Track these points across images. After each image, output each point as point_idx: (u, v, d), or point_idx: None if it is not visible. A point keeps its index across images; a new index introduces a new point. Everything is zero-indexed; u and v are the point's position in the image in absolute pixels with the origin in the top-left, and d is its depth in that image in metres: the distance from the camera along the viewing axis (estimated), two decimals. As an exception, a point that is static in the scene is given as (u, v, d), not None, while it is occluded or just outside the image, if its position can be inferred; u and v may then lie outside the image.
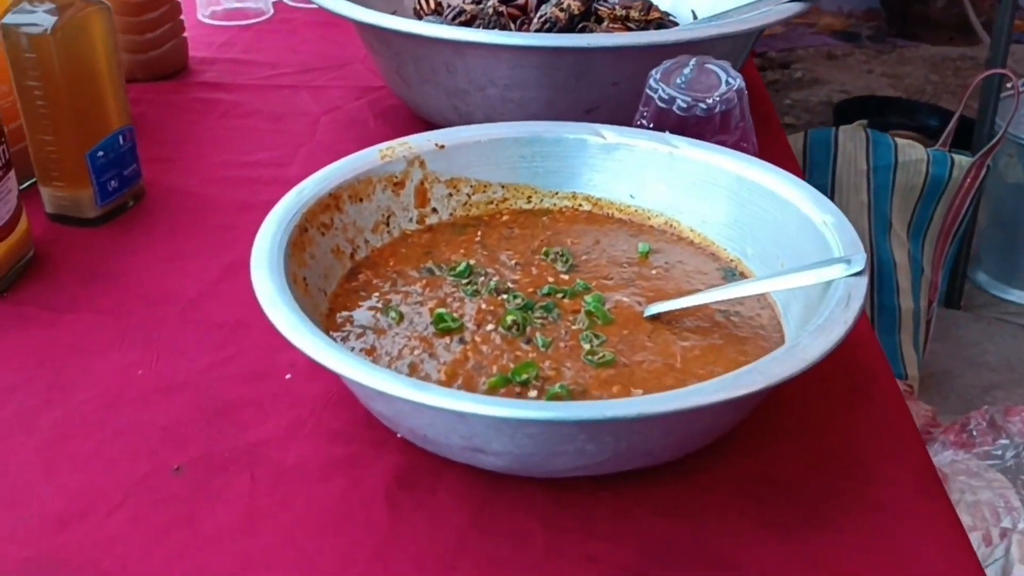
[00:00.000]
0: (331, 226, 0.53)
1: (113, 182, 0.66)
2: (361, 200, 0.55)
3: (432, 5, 0.85)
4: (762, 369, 0.38)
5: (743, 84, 0.61)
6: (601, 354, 0.47)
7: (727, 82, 0.61)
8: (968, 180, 1.32)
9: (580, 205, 0.60)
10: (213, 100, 0.87)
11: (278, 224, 0.49)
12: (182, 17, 0.93)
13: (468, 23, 0.79)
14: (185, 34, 0.94)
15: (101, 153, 0.65)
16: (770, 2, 0.72)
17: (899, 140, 1.33)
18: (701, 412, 0.37)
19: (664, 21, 0.80)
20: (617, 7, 0.78)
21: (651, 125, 0.62)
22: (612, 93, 0.70)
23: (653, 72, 0.62)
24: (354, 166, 0.55)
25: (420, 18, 0.85)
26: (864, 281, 0.43)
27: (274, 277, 0.44)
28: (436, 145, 0.58)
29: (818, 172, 1.32)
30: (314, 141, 0.80)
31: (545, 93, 0.70)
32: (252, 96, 0.88)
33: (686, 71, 0.62)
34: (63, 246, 0.64)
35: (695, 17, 0.88)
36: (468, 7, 0.80)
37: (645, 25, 0.79)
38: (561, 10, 0.77)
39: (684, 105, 0.60)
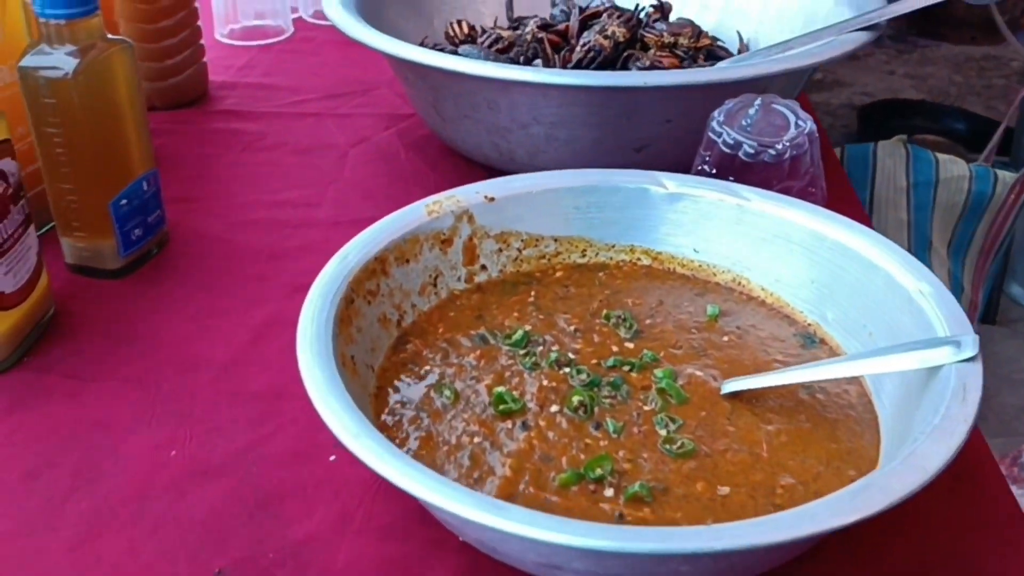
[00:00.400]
0: (377, 293, 0.49)
1: (137, 231, 0.62)
2: (408, 261, 0.51)
3: (465, 29, 0.81)
4: (881, 485, 0.33)
5: (814, 127, 0.57)
6: (680, 442, 0.42)
7: (796, 124, 0.57)
8: (1012, 196, 1.28)
9: (639, 259, 0.56)
10: (235, 131, 0.83)
11: (323, 298, 0.45)
12: (202, 42, 0.89)
13: (505, 51, 0.75)
14: (205, 59, 0.90)
15: (124, 201, 0.61)
16: (831, 31, 0.67)
17: (940, 156, 1.28)
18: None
19: (714, 48, 0.76)
20: (665, 34, 0.74)
21: (713, 171, 0.58)
22: (664, 131, 0.65)
23: (716, 114, 0.58)
24: (399, 225, 0.51)
25: (452, 43, 0.81)
26: (979, 368, 0.39)
27: (323, 367, 0.40)
28: (485, 198, 0.54)
29: (856, 188, 1.27)
30: (343, 177, 0.76)
31: (593, 132, 0.65)
32: (275, 126, 0.84)
33: (751, 111, 0.58)
34: (84, 301, 0.60)
35: (740, 39, 0.84)
36: (505, 33, 0.76)
37: (695, 52, 0.75)
38: (605, 38, 0.73)
39: (752, 151, 0.56)
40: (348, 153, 0.80)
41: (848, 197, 0.70)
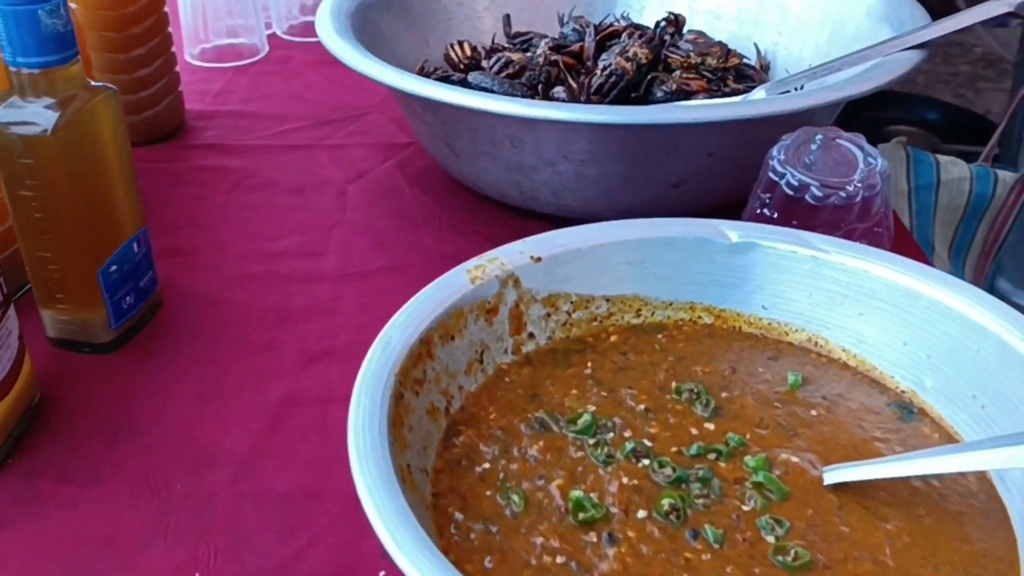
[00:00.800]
0: (424, 381, 0.43)
1: (128, 298, 0.55)
2: (453, 338, 0.45)
3: (468, 52, 0.75)
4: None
5: (886, 165, 0.52)
6: (792, 551, 0.37)
7: (867, 161, 0.52)
8: (1012, 197, 1.25)
9: (700, 317, 0.51)
10: (220, 168, 0.76)
11: (372, 399, 0.38)
12: (177, 69, 0.82)
13: (516, 75, 0.69)
14: (180, 87, 0.83)
15: (114, 268, 0.54)
16: (876, 51, 0.62)
17: (941, 157, 1.25)
18: None
19: (743, 67, 0.71)
20: (692, 55, 0.68)
21: (775, 215, 0.53)
22: (705, 165, 0.60)
23: (775, 152, 0.53)
24: (441, 297, 0.45)
25: (456, 67, 0.75)
26: None
27: (389, 495, 0.34)
28: (531, 258, 0.48)
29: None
30: (345, 220, 0.69)
31: (627, 168, 0.60)
32: (264, 160, 0.77)
33: (813, 147, 0.53)
34: (73, 382, 0.53)
35: (758, 51, 0.79)
36: (515, 56, 0.70)
37: (723, 73, 0.69)
38: (627, 60, 0.67)
39: (820, 194, 0.51)
40: (347, 190, 0.73)
41: (899, 229, 0.65)
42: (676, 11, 0.84)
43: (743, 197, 0.65)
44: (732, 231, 0.50)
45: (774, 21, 0.81)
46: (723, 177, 0.62)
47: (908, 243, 0.59)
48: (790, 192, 0.52)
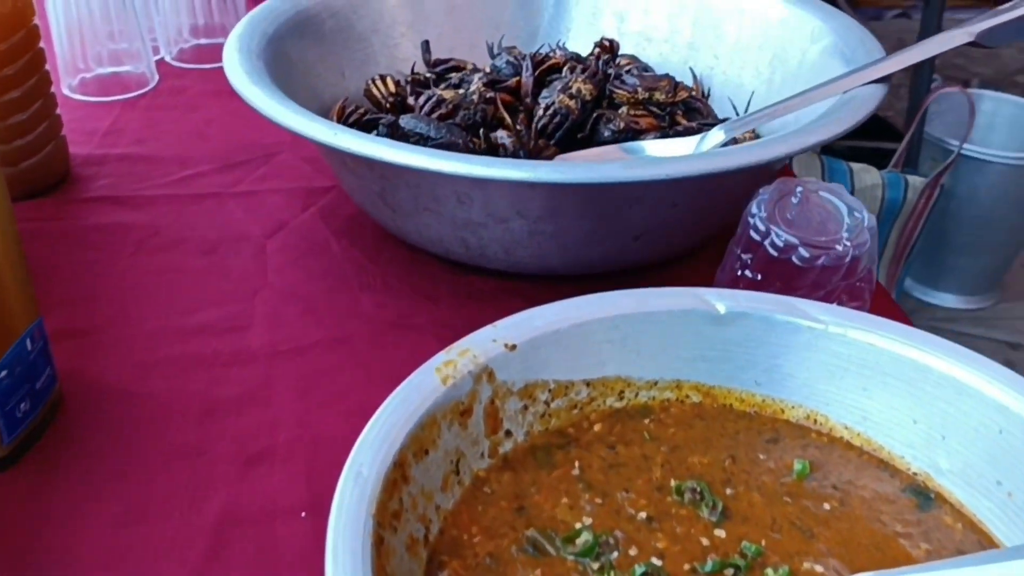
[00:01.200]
0: (402, 512, 0.37)
1: (23, 404, 0.47)
2: (427, 453, 0.39)
3: (392, 88, 0.69)
4: None
5: (873, 219, 0.48)
6: None
7: (852, 215, 0.48)
8: (922, 201, 1.26)
9: (687, 397, 0.46)
10: (118, 225, 0.68)
11: (351, 554, 0.32)
12: (59, 111, 0.73)
13: (449, 116, 0.64)
14: (63, 131, 0.74)
15: (4, 373, 0.46)
16: (833, 87, 0.59)
17: (854, 165, 1.25)
18: None
19: (691, 100, 0.67)
20: (639, 89, 0.64)
21: (759, 277, 0.49)
22: (668, 216, 0.56)
23: (755, 209, 0.48)
24: (410, 407, 0.39)
25: (380, 107, 0.69)
26: None
27: None
28: (506, 346, 0.43)
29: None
30: (268, 283, 0.62)
31: (587, 223, 0.55)
32: (167, 213, 0.69)
33: (793, 201, 0.49)
34: (-38, 512, 0.45)
35: (694, 76, 0.75)
36: (447, 94, 0.64)
37: (671, 108, 0.65)
38: (571, 97, 0.62)
39: (807, 255, 0.47)
40: (266, 247, 0.66)
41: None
42: (604, 34, 0.80)
43: (704, 243, 0.61)
44: (719, 301, 0.45)
45: (710, 44, 0.77)
46: (686, 226, 0.57)
47: (881, 294, 0.56)
48: (774, 253, 0.47)
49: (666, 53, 0.79)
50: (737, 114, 0.71)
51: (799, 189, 0.49)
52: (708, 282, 0.61)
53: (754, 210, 0.48)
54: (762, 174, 0.55)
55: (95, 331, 0.57)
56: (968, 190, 1.51)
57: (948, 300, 1.67)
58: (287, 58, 0.68)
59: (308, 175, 0.74)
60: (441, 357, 0.41)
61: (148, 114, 0.85)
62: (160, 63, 0.95)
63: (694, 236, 0.59)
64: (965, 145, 1.32)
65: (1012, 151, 1.59)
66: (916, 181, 1.25)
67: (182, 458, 0.48)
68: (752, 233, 0.48)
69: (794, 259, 0.47)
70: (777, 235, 0.47)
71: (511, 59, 0.68)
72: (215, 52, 0.97)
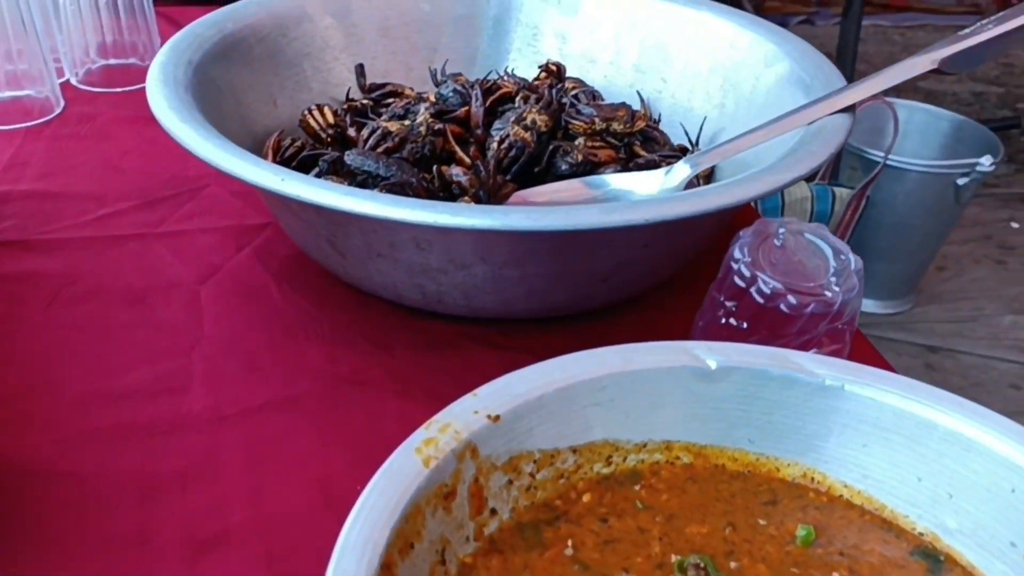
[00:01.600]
0: (391, 620, 0.33)
1: (-66, 498, 0.41)
2: (412, 546, 0.35)
3: (330, 119, 0.65)
4: None
5: (859, 262, 0.46)
6: None
7: (838, 258, 0.46)
8: (849, 213, 1.27)
9: (678, 458, 0.43)
10: (30, 274, 0.62)
11: None
12: (-44, 147, 0.66)
13: (396, 149, 0.60)
14: (-38, 169, 0.67)
15: (-88, 466, 0.40)
16: (797, 118, 0.57)
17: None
18: None
19: (648, 129, 0.64)
20: (596, 120, 0.61)
21: (744, 325, 0.46)
22: (637, 256, 0.53)
23: (737, 253, 0.46)
24: (393, 497, 0.35)
25: (318, 138, 0.64)
26: None
27: None
28: (488, 418, 0.39)
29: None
30: (206, 336, 0.57)
31: (553, 267, 0.52)
32: (86, 259, 0.63)
33: (776, 243, 0.47)
34: None
35: (642, 100, 0.72)
36: (393, 127, 0.60)
37: (629, 138, 0.62)
38: (525, 128, 0.59)
39: (796, 302, 0.45)
40: (199, 294, 0.60)
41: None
42: (545, 55, 0.77)
43: (672, 279, 0.58)
44: (709, 357, 0.43)
45: (656, 66, 0.75)
46: (655, 265, 0.55)
47: (858, 336, 0.54)
48: (760, 301, 0.45)
49: (611, 75, 0.76)
50: (690, 140, 0.69)
51: (781, 231, 0.47)
52: (677, 318, 0.58)
53: (737, 255, 0.46)
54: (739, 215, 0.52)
55: (12, 401, 0.51)
56: (886, 197, 1.54)
57: (868, 305, 1.70)
58: (215, 87, 0.63)
59: (239, 210, 0.69)
60: (420, 435, 0.38)
61: (55, 144, 0.78)
62: (65, 86, 0.88)
63: (662, 274, 0.56)
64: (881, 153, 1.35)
65: (925, 159, 1.62)
66: (843, 193, 1.26)
67: (122, 548, 0.43)
68: (736, 279, 0.46)
69: (782, 307, 0.45)
70: (764, 282, 0.45)
71: (458, 87, 0.64)
72: (127, 74, 0.91)
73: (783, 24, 3.23)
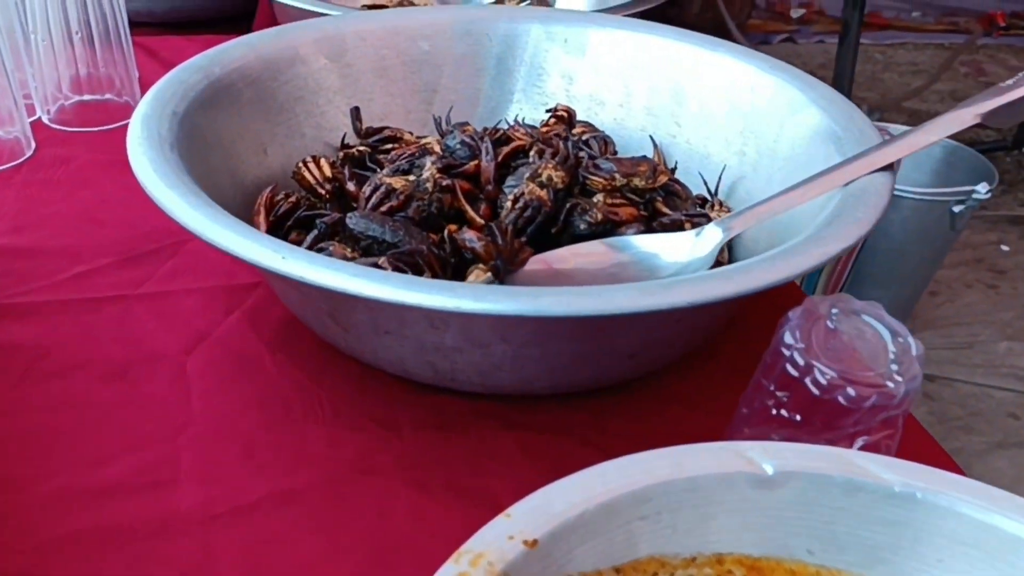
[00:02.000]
0: None
1: None
2: None
3: (327, 171, 0.60)
4: None
5: (920, 347, 0.42)
6: None
7: (896, 341, 0.42)
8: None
9: (730, 572, 0.39)
10: (0, 345, 0.56)
11: None
12: (-82, 203, 0.61)
13: (400, 208, 0.55)
14: (-76, 225, 0.62)
15: None
16: (834, 176, 0.53)
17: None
18: None
19: (671, 184, 0.60)
20: (617, 175, 0.57)
21: (797, 417, 0.42)
22: (667, 333, 0.49)
23: (787, 338, 0.42)
24: (426, 648, 0.30)
25: (313, 192, 0.60)
26: None
27: None
28: (525, 543, 0.34)
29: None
30: (193, 417, 0.52)
31: (577, 346, 0.47)
32: (58, 327, 0.58)
33: (829, 324, 0.42)
34: None
35: (654, 144, 0.68)
36: (397, 183, 0.56)
37: (651, 194, 0.58)
38: (541, 186, 0.55)
39: (854, 394, 0.41)
40: (186, 367, 0.55)
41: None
42: (551, 96, 0.73)
43: (701, 352, 0.54)
44: (765, 461, 0.38)
45: (670, 109, 0.71)
46: (686, 340, 0.50)
47: (912, 426, 0.50)
48: (816, 392, 0.41)
49: (621, 118, 0.72)
50: (708, 190, 0.65)
51: (834, 311, 0.42)
52: (701, 390, 0.54)
53: (787, 339, 0.42)
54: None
55: (-22, 497, 0.46)
56: (882, 225, 1.50)
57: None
58: (202, 139, 0.58)
59: (227, 268, 0.64)
60: (451, 571, 0.33)
61: (25, 192, 0.73)
62: (36, 125, 0.83)
63: (690, 348, 0.52)
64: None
65: (917, 185, 1.60)
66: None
67: None
68: (789, 367, 0.41)
69: (840, 399, 0.41)
70: (821, 372, 0.41)
71: (466, 139, 0.59)
72: (103, 111, 0.86)
73: (765, 42, 3.21)
